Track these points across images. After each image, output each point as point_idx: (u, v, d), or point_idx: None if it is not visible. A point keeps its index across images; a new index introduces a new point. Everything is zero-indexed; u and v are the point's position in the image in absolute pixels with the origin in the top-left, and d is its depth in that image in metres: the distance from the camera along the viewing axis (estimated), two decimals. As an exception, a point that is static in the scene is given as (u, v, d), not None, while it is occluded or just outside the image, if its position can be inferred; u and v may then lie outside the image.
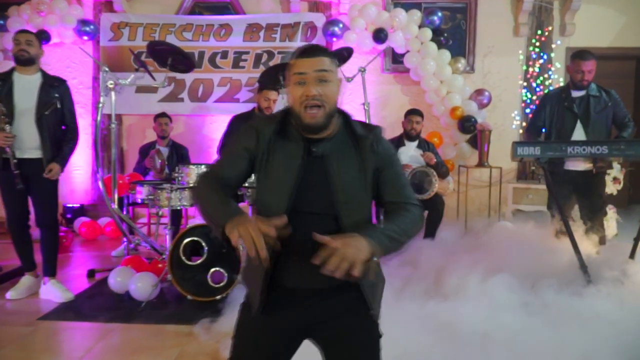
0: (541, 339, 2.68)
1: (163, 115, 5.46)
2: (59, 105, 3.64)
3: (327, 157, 1.59)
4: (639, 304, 3.03)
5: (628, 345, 2.59)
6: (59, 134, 3.71)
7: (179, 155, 5.42)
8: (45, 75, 3.71)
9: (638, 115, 6.58)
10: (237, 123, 4.58)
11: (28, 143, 3.57)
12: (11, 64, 5.47)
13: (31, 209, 3.75)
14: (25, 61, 3.61)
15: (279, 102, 4.44)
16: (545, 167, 3.88)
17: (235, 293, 3.45)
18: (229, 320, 2.86)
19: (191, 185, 3.83)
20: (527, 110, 6.18)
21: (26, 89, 3.58)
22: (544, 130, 4.30)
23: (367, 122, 1.75)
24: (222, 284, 3.60)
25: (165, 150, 5.31)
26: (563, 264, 3.52)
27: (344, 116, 1.67)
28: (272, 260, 1.51)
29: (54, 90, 3.66)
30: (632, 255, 3.54)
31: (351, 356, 1.58)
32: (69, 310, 3.52)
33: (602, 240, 4.10)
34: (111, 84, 3.81)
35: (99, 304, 3.65)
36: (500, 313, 2.93)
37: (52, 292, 3.71)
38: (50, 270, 3.78)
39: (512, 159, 3.77)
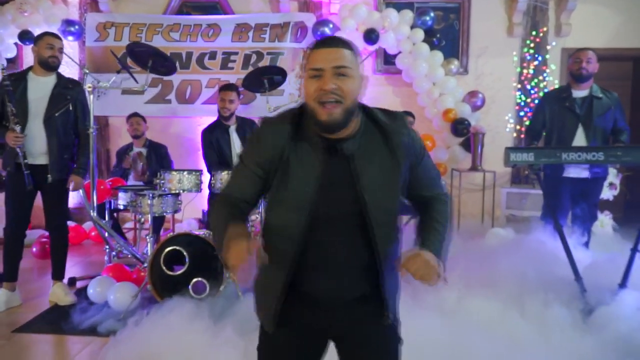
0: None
1: (135, 115, 5.38)
2: (70, 108, 3.61)
3: (353, 157, 1.48)
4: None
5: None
6: (68, 139, 3.66)
7: (158, 154, 5.34)
8: (60, 76, 3.68)
9: (636, 117, 6.56)
10: (209, 135, 4.55)
11: (37, 148, 3.53)
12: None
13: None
14: (55, 68, 3.61)
15: (262, 106, 4.31)
16: (540, 175, 3.78)
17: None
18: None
19: (173, 192, 3.77)
20: (522, 113, 6.10)
21: (40, 90, 3.56)
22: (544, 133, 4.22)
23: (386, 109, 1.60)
24: (204, 295, 3.48)
25: (143, 151, 5.29)
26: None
27: (364, 108, 1.55)
28: (292, 268, 1.50)
29: (67, 92, 3.62)
30: (622, 283, 3.29)
31: None
32: (46, 322, 3.45)
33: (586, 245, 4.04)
34: (89, 86, 3.68)
35: (77, 314, 3.52)
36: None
37: (57, 295, 3.78)
38: (58, 274, 3.85)
39: (505, 165, 3.65)
